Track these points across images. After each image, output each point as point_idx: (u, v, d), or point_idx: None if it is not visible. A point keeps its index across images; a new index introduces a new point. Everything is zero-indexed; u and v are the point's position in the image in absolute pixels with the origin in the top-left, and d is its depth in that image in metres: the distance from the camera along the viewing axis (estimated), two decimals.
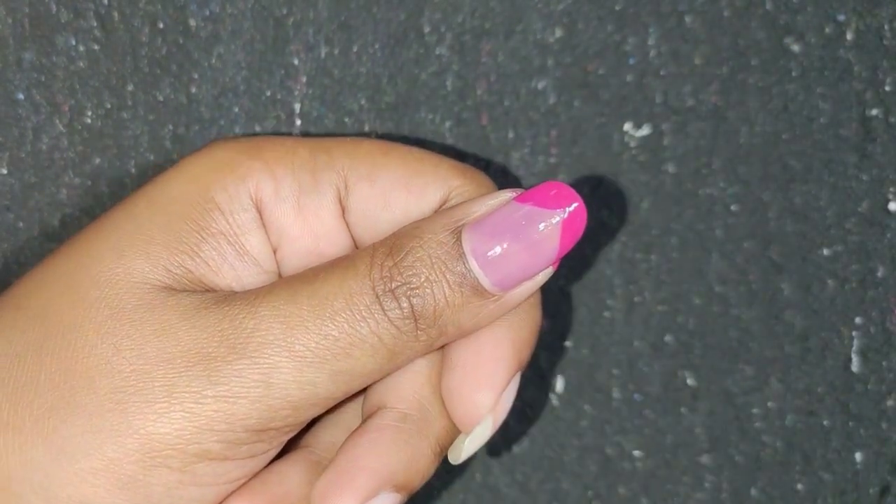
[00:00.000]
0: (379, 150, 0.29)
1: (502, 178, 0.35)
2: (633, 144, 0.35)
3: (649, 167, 0.35)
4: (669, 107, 0.35)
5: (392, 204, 0.28)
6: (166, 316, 0.26)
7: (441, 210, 0.28)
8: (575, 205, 0.26)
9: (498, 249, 0.26)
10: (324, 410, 0.28)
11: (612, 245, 0.35)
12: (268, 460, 0.27)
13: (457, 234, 0.26)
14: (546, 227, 0.26)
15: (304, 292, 0.26)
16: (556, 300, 0.36)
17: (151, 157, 0.34)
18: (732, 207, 0.35)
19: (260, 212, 0.28)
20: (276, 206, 0.28)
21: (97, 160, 0.34)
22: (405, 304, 0.26)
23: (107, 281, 0.26)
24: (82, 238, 0.28)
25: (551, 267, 0.27)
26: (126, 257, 0.27)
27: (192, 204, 0.27)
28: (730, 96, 0.35)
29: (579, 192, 0.27)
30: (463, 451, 0.28)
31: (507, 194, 0.27)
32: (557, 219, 0.26)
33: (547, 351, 0.36)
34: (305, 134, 0.34)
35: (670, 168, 0.35)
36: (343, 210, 0.29)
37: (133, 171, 0.34)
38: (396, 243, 0.26)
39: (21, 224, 0.34)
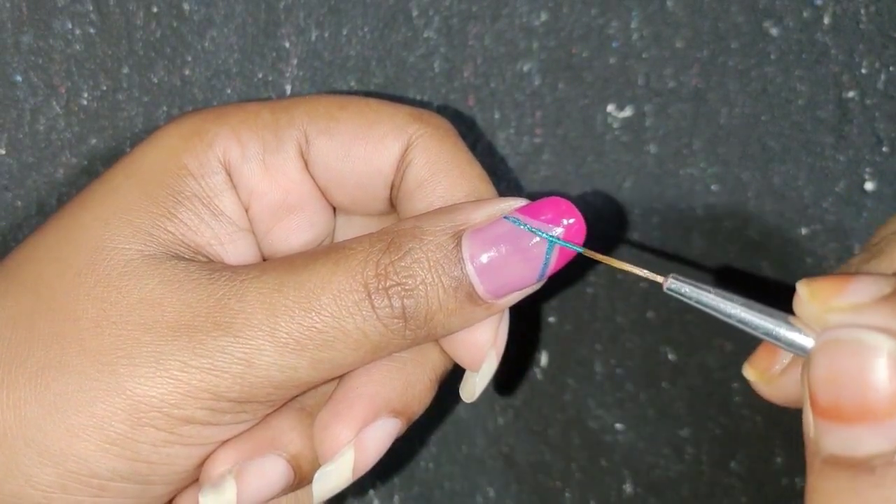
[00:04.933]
0: (336, 104, 0.29)
1: (489, 157, 0.35)
2: (615, 125, 0.35)
3: (632, 147, 0.35)
4: (651, 89, 0.35)
5: (352, 155, 0.29)
6: (151, 285, 0.26)
7: (442, 208, 0.28)
8: (573, 220, 0.27)
9: (496, 259, 0.26)
10: (306, 391, 0.28)
11: (595, 224, 0.35)
12: (253, 424, 0.28)
13: (457, 238, 0.26)
14: (544, 241, 0.26)
15: (290, 283, 0.26)
16: None
17: (146, 138, 0.34)
18: (713, 187, 0.35)
19: (229, 173, 0.29)
20: (244, 166, 0.29)
21: (93, 141, 0.34)
22: (397, 304, 0.26)
23: (93, 249, 0.27)
24: (68, 211, 0.28)
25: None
26: (111, 226, 0.27)
27: (166, 171, 0.28)
28: (710, 79, 0.35)
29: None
30: (476, 387, 0.29)
31: (511, 204, 0.27)
32: (556, 235, 0.27)
33: (531, 326, 0.36)
34: None
35: (652, 148, 0.35)
36: (306, 164, 0.29)
37: (128, 151, 0.34)
38: (395, 241, 0.26)
39: (19, 203, 0.34)
